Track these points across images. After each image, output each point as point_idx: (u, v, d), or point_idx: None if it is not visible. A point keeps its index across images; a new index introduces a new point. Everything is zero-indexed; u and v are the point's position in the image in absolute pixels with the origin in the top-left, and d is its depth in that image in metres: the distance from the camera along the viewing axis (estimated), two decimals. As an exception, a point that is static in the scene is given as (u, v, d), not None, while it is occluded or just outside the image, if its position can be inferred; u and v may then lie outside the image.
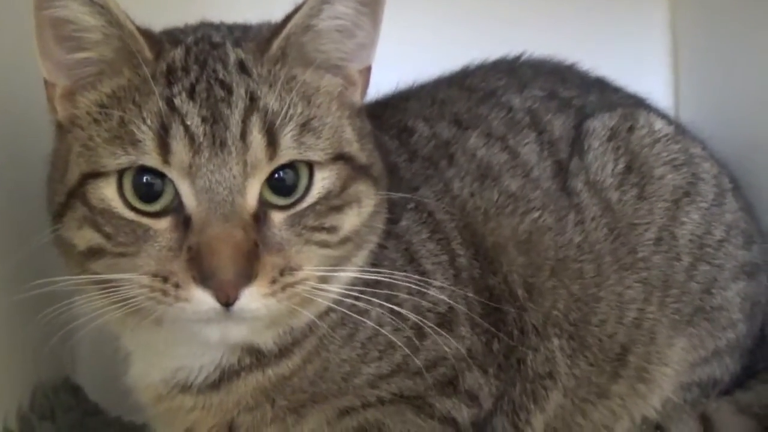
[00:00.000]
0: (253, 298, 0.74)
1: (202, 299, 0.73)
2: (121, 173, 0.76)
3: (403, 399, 0.91)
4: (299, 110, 0.79)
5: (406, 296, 0.89)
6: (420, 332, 0.89)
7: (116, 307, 0.78)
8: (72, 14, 0.77)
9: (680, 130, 1.11)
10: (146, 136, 0.74)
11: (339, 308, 0.84)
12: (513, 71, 1.13)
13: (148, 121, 0.75)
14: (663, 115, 1.14)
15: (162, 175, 0.75)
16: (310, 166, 0.79)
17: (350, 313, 0.85)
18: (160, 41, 0.81)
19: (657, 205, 1.03)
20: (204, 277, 0.72)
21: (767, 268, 1.12)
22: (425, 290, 0.89)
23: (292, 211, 0.78)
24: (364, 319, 0.86)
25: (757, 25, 1.19)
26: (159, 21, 0.87)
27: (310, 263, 0.78)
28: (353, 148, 0.83)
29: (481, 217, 0.97)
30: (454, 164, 1.00)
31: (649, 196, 1.03)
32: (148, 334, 0.85)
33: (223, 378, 0.86)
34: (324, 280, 0.80)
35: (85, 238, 0.78)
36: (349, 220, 0.82)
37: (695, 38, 1.42)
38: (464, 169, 1.00)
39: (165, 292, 0.74)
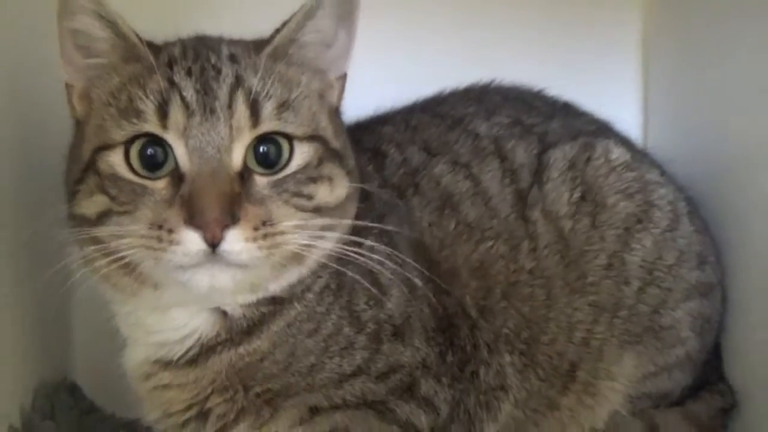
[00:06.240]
0: (236, 241, 0.83)
1: (191, 240, 0.82)
2: (127, 145, 0.87)
3: (366, 404, 0.98)
4: (279, 92, 0.90)
5: (364, 306, 0.98)
6: (377, 338, 0.98)
7: (115, 266, 0.87)
8: (84, 26, 0.90)
9: (638, 156, 1.15)
10: (148, 107, 0.86)
11: (301, 303, 0.94)
12: (482, 98, 1.17)
13: (151, 96, 0.87)
14: (624, 141, 1.18)
15: (163, 147, 0.86)
16: (290, 142, 0.89)
17: (313, 309, 0.95)
18: (160, 46, 0.93)
19: (608, 233, 1.07)
20: (193, 217, 0.82)
21: (721, 286, 1.17)
22: (382, 303, 0.98)
23: (275, 177, 0.88)
24: (325, 318, 0.96)
25: (726, 50, 1.21)
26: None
27: (288, 221, 0.87)
28: (328, 134, 0.94)
29: (438, 246, 1.04)
30: (419, 193, 1.07)
31: (600, 225, 1.07)
32: (136, 304, 0.95)
33: (202, 353, 0.95)
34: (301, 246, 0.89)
35: (96, 203, 0.88)
36: (323, 193, 0.91)
37: (665, 63, 1.43)
38: (427, 197, 1.06)
39: (159, 239, 0.83)
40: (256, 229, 0.84)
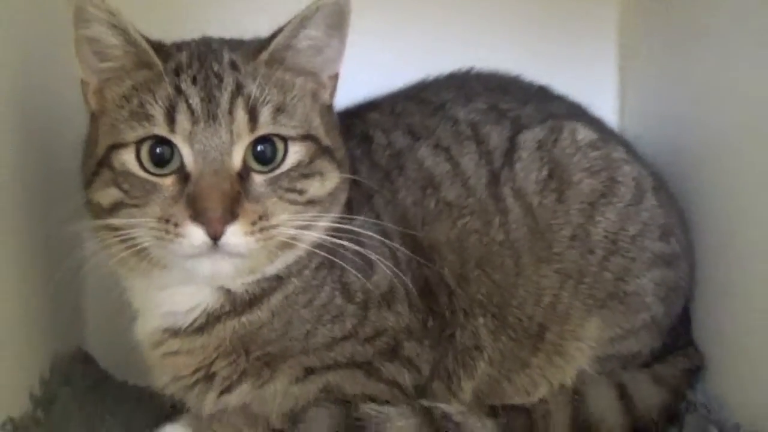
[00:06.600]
0: (236, 235, 0.93)
1: (196, 234, 0.92)
2: (138, 145, 0.97)
3: (355, 364, 1.08)
4: (275, 97, 0.99)
5: (354, 278, 1.08)
6: (365, 306, 1.08)
7: (129, 251, 0.97)
8: (98, 34, 0.99)
9: (605, 136, 1.22)
10: (158, 112, 0.95)
11: (299, 278, 1.04)
12: (462, 85, 1.25)
13: (160, 102, 0.96)
14: (593, 122, 1.25)
15: (170, 147, 0.96)
16: (285, 142, 0.99)
17: (309, 283, 1.05)
18: (169, 51, 1.02)
19: (573, 207, 1.15)
20: (197, 214, 0.92)
21: (688, 257, 1.24)
22: (369, 276, 1.08)
23: (271, 175, 0.98)
24: (320, 290, 1.06)
25: (701, 40, 1.26)
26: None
27: (282, 214, 0.98)
28: (320, 132, 1.03)
29: (420, 224, 1.13)
30: (403, 174, 1.16)
31: (566, 200, 1.15)
32: (147, 282, 1.05)
33: (208, 322, 1.05)
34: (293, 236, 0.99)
35: (110, 195, 0.98)
36: (314, 187, 1.01)
37: (642, 52, 1.48)
38: (411, 178, 1.16)
39: (167, 231, 0.93)
40: (253, 223, 0.94)
